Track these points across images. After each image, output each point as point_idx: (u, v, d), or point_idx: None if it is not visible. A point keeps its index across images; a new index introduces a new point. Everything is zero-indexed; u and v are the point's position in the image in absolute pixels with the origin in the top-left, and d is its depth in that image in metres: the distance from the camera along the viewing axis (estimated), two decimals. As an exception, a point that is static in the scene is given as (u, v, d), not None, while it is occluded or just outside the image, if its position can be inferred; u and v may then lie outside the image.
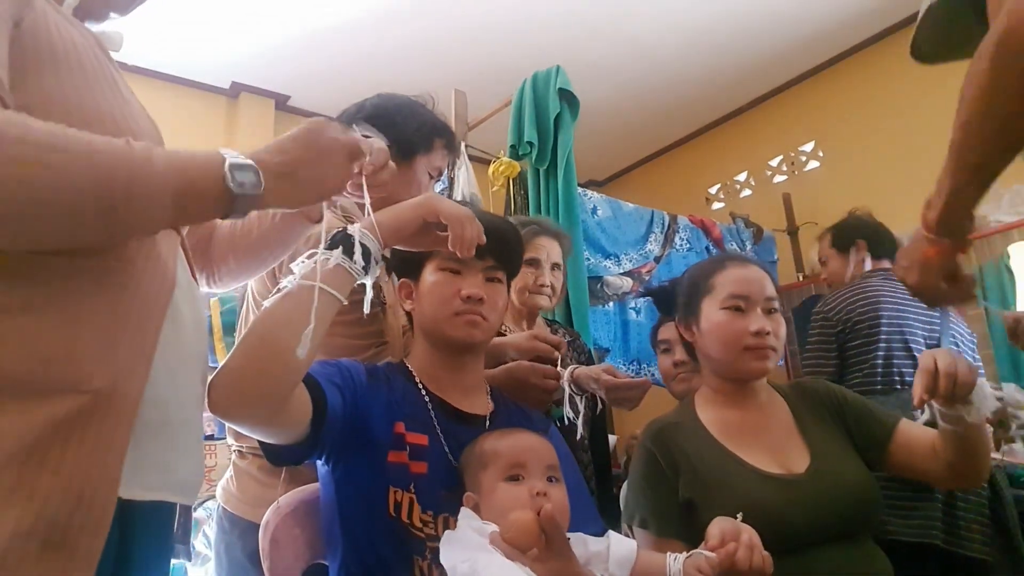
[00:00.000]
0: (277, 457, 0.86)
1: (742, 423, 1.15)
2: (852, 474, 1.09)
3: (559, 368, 1.25)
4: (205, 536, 2.18)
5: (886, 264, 2.15)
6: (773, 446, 1.12)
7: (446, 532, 0.85)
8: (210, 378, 0.76)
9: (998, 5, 0.70)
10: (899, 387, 1.94)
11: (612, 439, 2.72)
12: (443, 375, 1.02)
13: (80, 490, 0.57)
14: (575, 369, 1.33)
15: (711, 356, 1.20)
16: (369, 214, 0.84)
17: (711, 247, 3.39)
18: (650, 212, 3.24)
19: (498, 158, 2.70)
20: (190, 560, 1.00)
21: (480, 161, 2.82)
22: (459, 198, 2.46)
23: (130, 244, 0.66)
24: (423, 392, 1.00)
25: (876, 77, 3.64)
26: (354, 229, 0.83)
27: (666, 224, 3.27)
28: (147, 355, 0.65)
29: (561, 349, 1.28)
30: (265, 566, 0.93)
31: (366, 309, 0.82)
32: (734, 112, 4.43)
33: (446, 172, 2.04)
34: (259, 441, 0.83)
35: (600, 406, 1.38)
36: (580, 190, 2.78)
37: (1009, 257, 2.77)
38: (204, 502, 2.21)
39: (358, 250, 0.81)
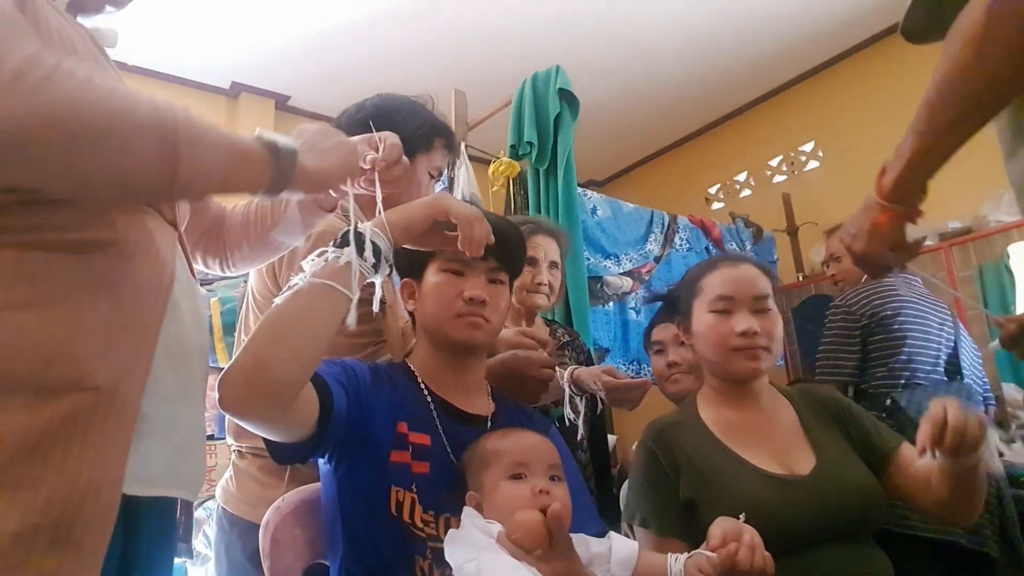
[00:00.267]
0: (282, 455, 0.86)
1: (744, 423, 1.15)
2: (857, 477, 1.09)
3: (557, 369, 1.25)
4: (205, 536, 2.18)
5: None
6: (775, 447, 1.12)
7: (450, 531, 0.85)
8: (220, 375, 0.75)
9: None
10: (922, 382, 1.96)
11: (612, 439, 2.72)
12: (445, 375, 1.02)
13: (84, 487, 0.57)
14: (575, 370, 1.33)
15: (705, 358, 1.21)
16: (380, 212, 0.85)
17: (711, 247, 3.39)
18: (650, 212, 3.25)
19: (498, 158, 2.70)
20: (191, 558, 1.00)
21: (480, 161, 2.82)
22: (459, 198, 2.46)
23: (129, 240, 0.66)
24: (425, 392, 1.00)
25: (876, 77, 3.65)
26: (365, 227, 0.83)
27: (666, 224, 3.27)
28: (147, 351, 0.66)
29: (548, 346, 1.27)
30: (265, 566, 0.93)
31: (375, 308, 0.83)
32: (734, 112, 4.43)
33: (446, 172, 2.04)
34: (264, 439, 0.84)
35: (600, 406, 1.38)
36: (580, 190, 2.79)
37: (1009, 257, 2.77)
38: (204, 502, 2.21)
39: (369, 248, 0.82)
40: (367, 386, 0.94)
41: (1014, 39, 0.66)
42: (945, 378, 2.02)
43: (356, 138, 0.88)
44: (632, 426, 3.46)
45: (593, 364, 1.87)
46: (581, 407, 1.30)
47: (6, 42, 0.52)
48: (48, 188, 0.59)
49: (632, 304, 3.14)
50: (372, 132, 0.93)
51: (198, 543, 2.16)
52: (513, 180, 2.73)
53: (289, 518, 0.96)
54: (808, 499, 1.03)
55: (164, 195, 0.68)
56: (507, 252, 1.04)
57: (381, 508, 0.87)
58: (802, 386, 1.33)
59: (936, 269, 2.97)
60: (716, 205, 4.46)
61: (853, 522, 1.04)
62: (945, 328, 2.08)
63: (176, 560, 0.82)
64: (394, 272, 1.02)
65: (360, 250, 0.81)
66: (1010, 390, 2.55)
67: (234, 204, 1.08)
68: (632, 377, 1.32)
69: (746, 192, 4.35)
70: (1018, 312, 2.54)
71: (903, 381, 1.96)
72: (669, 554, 0.88)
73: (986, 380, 2.19)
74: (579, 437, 1.63)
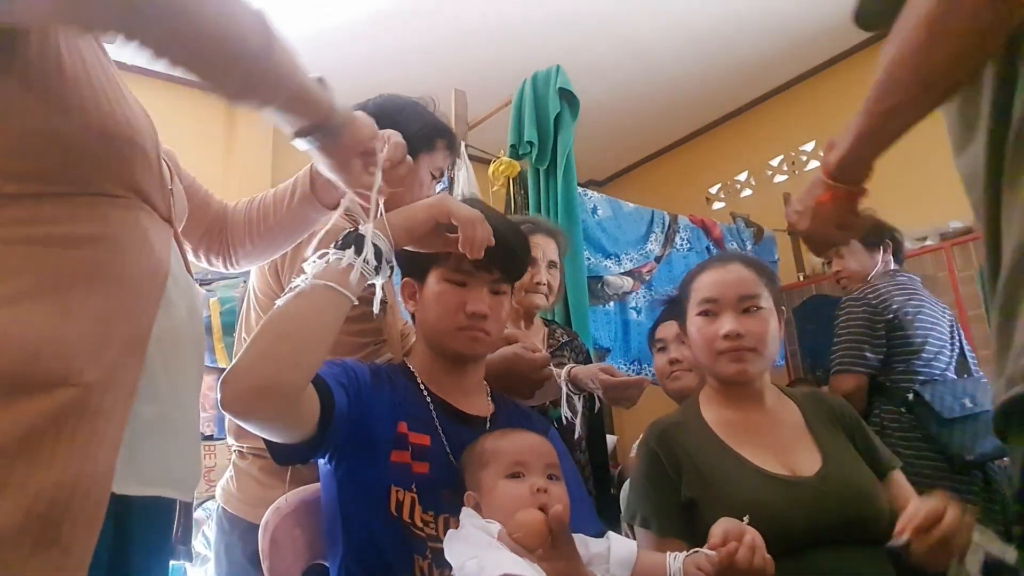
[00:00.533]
0: (283, 456, 0.86)
1: (746, 423, 1.15)
2: (863, 481, 1.08)
3: (554, 368, 1.25)
4: (205, 537, 2.17)
5: (894, 265, 2.22)
6: (779, 448, 1.12)
7: (449, 531, 0.85)
8: (221, 376, 0.75)
9: None
10: (938, 378, 1.99)
11: (612, 440, 2.71)
12: (444, 378, 1.02)
13: (72, 485, 0.56)
14: (572, 368, 1.33)
15: (698, 361, 1.22)
16: (382, 215, 0.84)
17: (711, 247, 3.39)
18: (650, 212, 3.24)
19: (498, 158, 2.69)
20: (191, 561, 1.00)
21: (480, 161, 2.82)
22: (459, 198, 2.46)
23: (122, 235, 0.65)
24: (425, 393, 1.00)
25: (876, 77, 3.64)
26: (366, 229, 0.83)
27: (666, 224, 3.27)
28: (140, 348, 0.64)
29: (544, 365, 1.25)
30: (265, 567, 0.93)
31: (375, 309, 0.83)
32: (734, 112, 4.43)
33: (446, 172, 2.04)
34: (265, 440, 0.84)
35: (598, 405, 1.38)
36: (580, 190, 2.79)
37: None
38: (204, 502, 2.21)
39: (370, 250, 0.81)
40: (367, 387, 0.94)
41: (965, 21, 0.65)
42: (954, 376, 2.04)
43: None
44: (632, 427, 3.46)
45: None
46: (579, 406, 1.29)
47: None
48: (161, 48, 0.61)
49: (633, 304, 3.14)
50: None
51: (198, 544, 2.16)
52: (513, 180, 2.73)
53: (289, 519, 0.96)
54: (812, 500, 1.03)
55: (258, 79, 0.71)
56: (511, 261, 1.03)
57: (381, 508, 0.87)
58: (812, 390, 1.33)
59: (937, 269, 2.97)
60: (717, 205, 4.46)
61: (855, 524, 1.03)
62: (955, 328, 2.12)
63: (174, 563, 0.81)
64: (395, 271, 1.02)
65: (360, 251, 0.81)
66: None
67: (235, 202, 1.08)
68: (630, 376, 1.32)
69: (747, 192, 4.35)
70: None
71: (922, 377, 1.98)
72: (668, 552, 0.89)
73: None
74: (577, 437, 1.63)
